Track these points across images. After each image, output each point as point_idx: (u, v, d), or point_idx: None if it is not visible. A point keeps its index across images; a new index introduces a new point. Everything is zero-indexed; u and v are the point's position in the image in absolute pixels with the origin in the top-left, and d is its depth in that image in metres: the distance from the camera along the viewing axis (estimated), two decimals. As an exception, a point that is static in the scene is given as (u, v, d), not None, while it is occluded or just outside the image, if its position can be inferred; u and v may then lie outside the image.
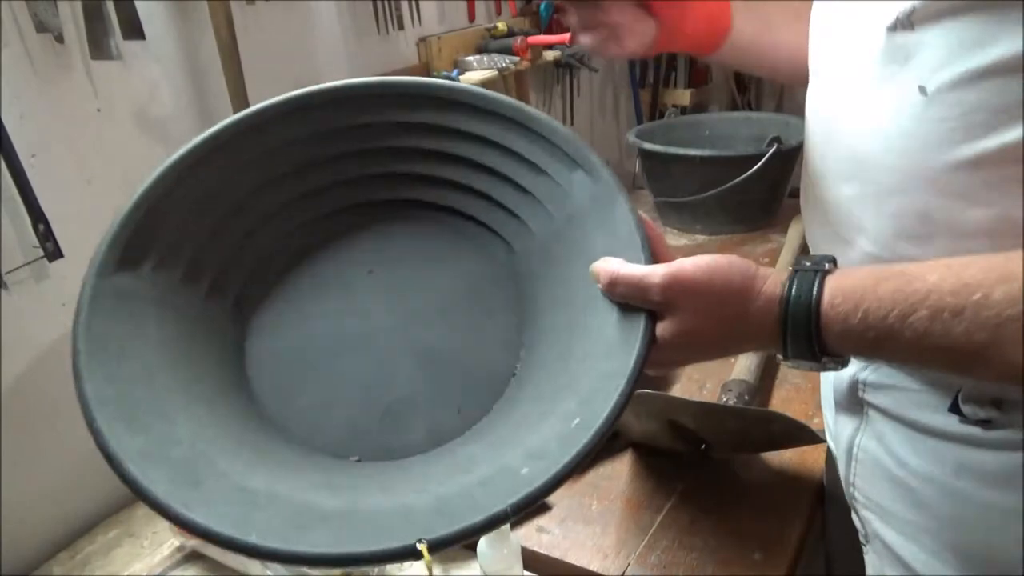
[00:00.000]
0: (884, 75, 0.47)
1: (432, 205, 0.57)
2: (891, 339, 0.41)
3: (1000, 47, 0.41)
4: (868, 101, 0.49)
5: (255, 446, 0.47)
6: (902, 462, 0.56)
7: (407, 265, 0.56)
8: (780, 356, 0.45)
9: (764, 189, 1.31)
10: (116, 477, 0.77)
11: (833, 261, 0.45)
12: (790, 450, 0.77)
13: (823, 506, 0.76)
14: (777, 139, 1.24)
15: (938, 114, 0.44)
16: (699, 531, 0.70)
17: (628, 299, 0.47)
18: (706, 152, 1.28)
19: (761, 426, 0.72)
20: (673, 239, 1.37)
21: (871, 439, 0.59)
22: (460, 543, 0.40)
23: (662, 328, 0.46)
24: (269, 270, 0.56)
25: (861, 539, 0.64)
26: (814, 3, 0.58)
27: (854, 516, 0.64)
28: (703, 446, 0.76)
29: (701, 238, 1.36)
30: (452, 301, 0.55)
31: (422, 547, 0.38)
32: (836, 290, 0.43)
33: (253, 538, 0.39)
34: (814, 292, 0.43)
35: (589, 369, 0.46)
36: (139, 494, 0.40)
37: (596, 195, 0.51)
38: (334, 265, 0.57)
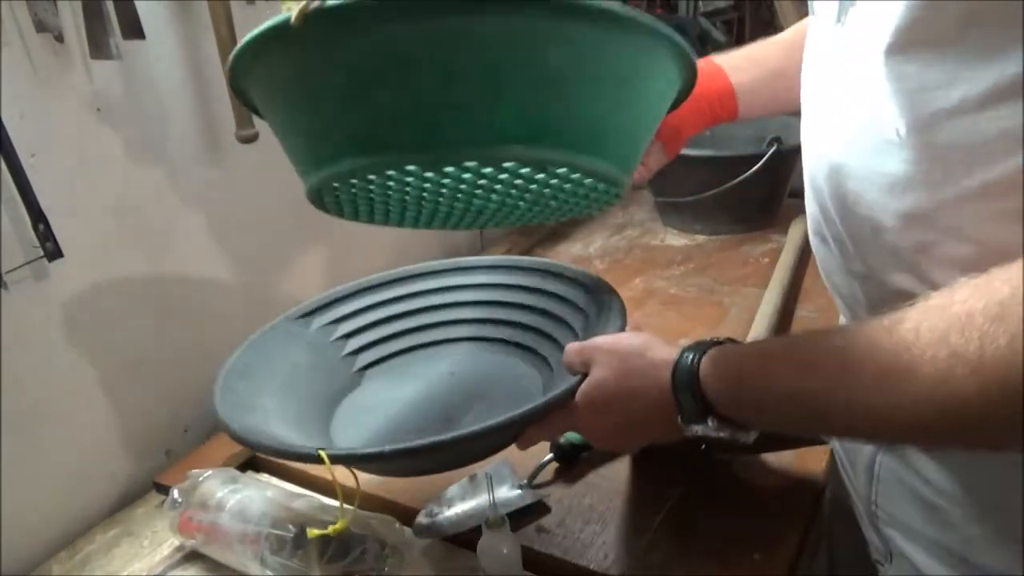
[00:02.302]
0: (866, 117, 0.47)
1: (506, 341, 0.82)
2: (755, 388, 0.47)
3: (962, 88, 0.41)
4: (855, 141, 0.49)
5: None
6: (928, 480, 0.55)
7: (479, 373, 0.79)
8: (679, 418, 0.53)
9: (764, 189, 1.31)
10: (117, 477, 0.79)
11: (732, 341, 0.54)
12: (790, 451, 0.77)
13: (823, 515, 0.75)
14: (777, 139, 1.24)
15: (915, 156, 0.44)
16: (699, 531, 0.70)
17: (570, 364, 0.61)
18: (706, 152, 1.28)
19: (761, 426, 0.72)
20: (673, 239, 1.37)
21: (894, 457, 0.58)
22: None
23: (587, 380, 0.58)
24: (390, 358, 0.82)
25: (878, 556, 0.63)
26: (806, 42, 0.59)
27: (873, 533, 0.63)
28: (703, 446, 0.76)
29: (701, 238, 1.36)
30: (504, 391, 0.76)
31: (322, 454, 0.53)
32: (716, 351, 0.51)
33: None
34: (699, 352, 0.52)
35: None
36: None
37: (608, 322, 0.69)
38: (430, 365, 0.81)
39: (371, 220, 0.67)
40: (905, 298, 0.50)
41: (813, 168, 0.57)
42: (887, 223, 0.48)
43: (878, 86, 0.45)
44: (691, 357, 0.52)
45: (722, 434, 0.51)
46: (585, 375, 0.58)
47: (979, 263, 0.44)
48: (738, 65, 0.77)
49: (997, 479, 0.50)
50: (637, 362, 0.55)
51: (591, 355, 0.58)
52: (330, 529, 0.57)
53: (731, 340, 0.54)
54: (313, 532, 0.62)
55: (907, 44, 0.42)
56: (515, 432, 0.61)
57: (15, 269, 0.74)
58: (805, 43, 0.59)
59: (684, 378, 0.51)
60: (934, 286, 0.47)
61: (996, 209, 0.43)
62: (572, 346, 0.60)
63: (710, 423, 0.51)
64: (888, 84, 0.44)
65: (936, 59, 0.41)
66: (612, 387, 0.55)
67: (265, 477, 0.86)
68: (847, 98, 0.49)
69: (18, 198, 0.72)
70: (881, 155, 0.47)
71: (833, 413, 0.43)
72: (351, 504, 0.58)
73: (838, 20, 0.50)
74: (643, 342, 0.56)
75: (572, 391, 0.58)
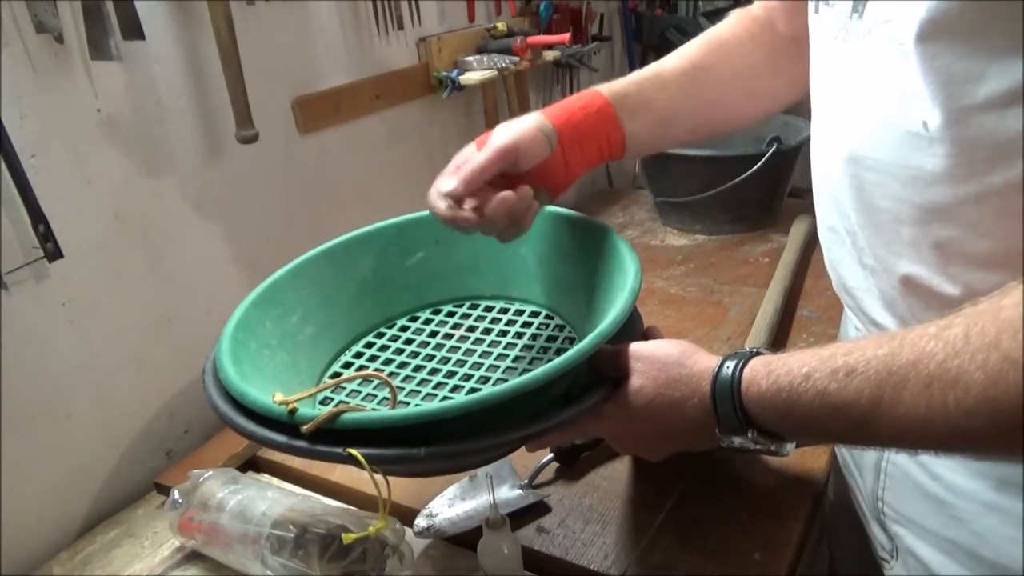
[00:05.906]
0: (890, 110, 0.47)
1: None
2: (798, 400, 0.45)
3: (990, 83, 0.41)
4: (877, 133, 0.49)
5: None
6: (938, 476, 0.55)
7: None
8: (717, 431, 0.51)
9: (764, 189, 1.31)
10: (117, 477, 0.79)
11: (771, 351, 0.52)
12: (790, 450, 0.77)
13: (822, 514, 0.76)
14: (777, 139, 1.24)
15: (941, 150, 0.44)
16: (699, 531, 0.70)
17: (604, 368, 0.57)
18: (706, 152, 1.28)
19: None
20: (673, 239, 1.37)
21: (903, 453, 0.57)
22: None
23: (623, 387, 0.55)
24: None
25: (883, 554, 0.63)
26: (811, 42, 0.58)
27: (879, 530, 0.63)
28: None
29: (701, 238, 1.36)
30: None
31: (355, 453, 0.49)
32: (756, 362, 0.49)
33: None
34: (740, 363, 0.50)
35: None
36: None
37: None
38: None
39: None
40: (917, 290, 0.50)
41: (827, 160, 0.56)
42: (906, 216, 0.48)
43: (906, 78, 0.45)
44: (731, 368, 0.50)
45: (759, 446, 0.50)
46: (617, 381, 0.56)
47: (998, 259, 0.45)
48: (632, 110, 0.70)
49: (1007, 473, 0.50)
50: (677, 371, 0.53)
51: (628, 361, 0.56)
52: (370, 529, 0.56)
53: (769, 350, 0.52)
54: (349, 536, 0.61)
55: (937, 35, 0.42)
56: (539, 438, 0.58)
57: (15, 270, 0.74)
58: (810, 40, 0.59)
59: (725, 389, 0.50)
60: (951, 279, 0.47)
61: (1018, 207, 0.43)
62: (606, 349, 0.56)
63: (750, 435, 0.49)
64: (919, 76, 0.44)
65: (966, 52, 0.41)
66: (650, 396, 0.54)
67: (265, 477, 0.86)
68: (868, 90, 0.49)
69: (18, 198, 0.72)
70: (905, 148, 0.46)
71: (879, 423, 0.41)
72: (381, 505, 0.54)
73: (855, 11, 0.49)
74: (683, 351, 0.55)
75: (605, 398, 0.56)
